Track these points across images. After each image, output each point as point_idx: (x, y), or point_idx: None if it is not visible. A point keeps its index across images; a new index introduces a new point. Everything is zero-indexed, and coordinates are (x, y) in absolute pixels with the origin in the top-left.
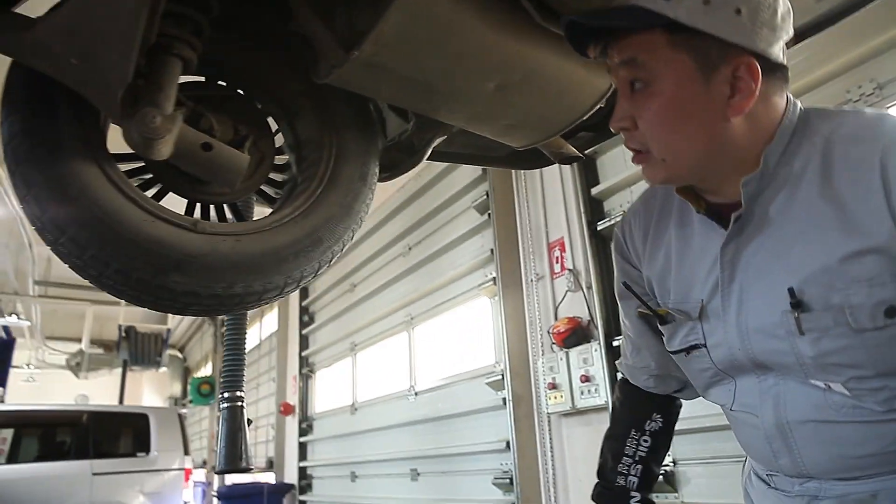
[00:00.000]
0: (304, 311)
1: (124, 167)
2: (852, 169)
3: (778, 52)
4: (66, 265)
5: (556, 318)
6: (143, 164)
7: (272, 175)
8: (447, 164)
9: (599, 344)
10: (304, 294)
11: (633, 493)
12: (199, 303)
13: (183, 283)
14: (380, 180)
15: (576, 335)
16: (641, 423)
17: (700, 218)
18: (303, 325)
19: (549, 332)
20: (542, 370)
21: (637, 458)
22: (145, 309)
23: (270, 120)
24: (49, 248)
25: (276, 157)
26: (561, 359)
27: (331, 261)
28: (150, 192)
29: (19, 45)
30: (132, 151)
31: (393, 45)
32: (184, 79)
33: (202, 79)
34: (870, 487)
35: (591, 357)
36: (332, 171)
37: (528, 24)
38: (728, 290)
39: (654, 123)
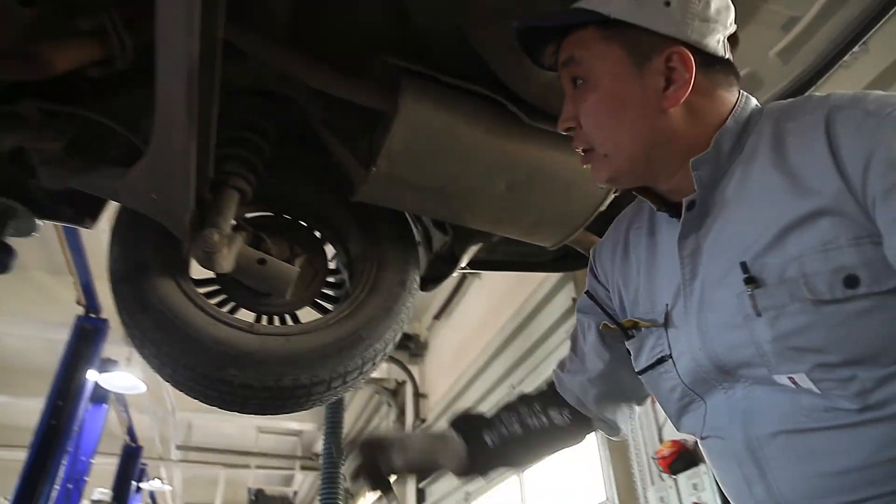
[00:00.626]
0: None
1: (203, 289)
2: (801, 136)
3: (715, 44)
4: (154, 371)
5: (660, 442)
6: (217, 284)
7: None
8: (542, 300)
9: (709, 466)
10: None
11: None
12: (255, 395)
13: (239, 376)
14: (427, 289)
15: (682, 459)
16: (551, 403)
17: (664, 218)
18: (419, 478)
19: (653, 457)
20: (653, 502)
21: (519, 418)
22: (271, 472)
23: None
24: (137, 351)
25: (330, 273)
26: (670, 487)
27: (374, 358)
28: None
29: (116, 189)
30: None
31: (403, 157)
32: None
33: (271, 213)
34: None
35: (701, 482)
36: (374, 278)
37: (518, 125)
38: (690, 288)
39: (592, 116)
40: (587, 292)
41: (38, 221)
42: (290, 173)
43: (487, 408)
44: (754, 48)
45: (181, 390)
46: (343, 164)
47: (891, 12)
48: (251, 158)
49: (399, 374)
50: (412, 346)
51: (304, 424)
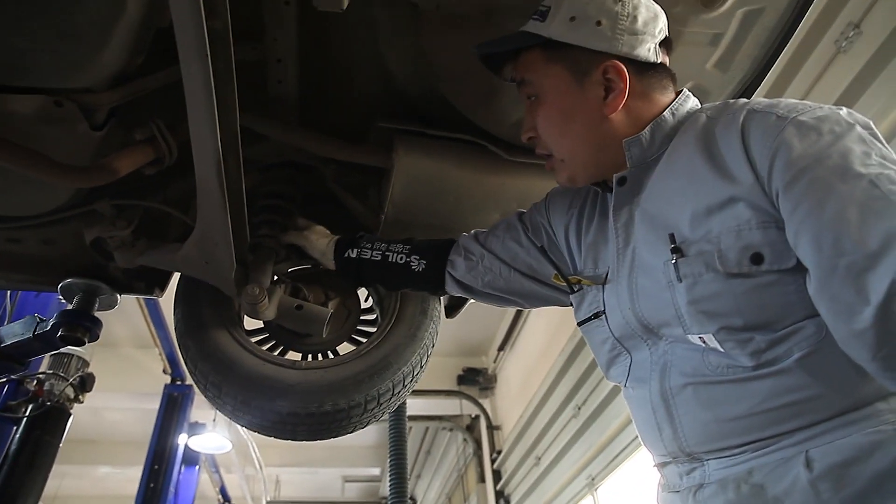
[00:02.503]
0: (499, 495)
1: (255, 337)
2: (724, 131)
3: (646, 52)
4: (218, 411)
5: None
6: (266, 331)
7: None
8: None
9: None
10: (497, 477)
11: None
12: (302, 422)
13: (286, 406)
14: (451, 316)
15: None
16: (418, 251)
17: (609, 195)
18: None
19: None
20: None
21: (385, 250)
22: None
23: None
24: (203, 395)
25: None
26: None
27: (404, 381)
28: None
29: (175, 261)
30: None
31: (406, 203)
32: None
33: (308, 265)
34: (746, 466)
35: None
36: (398, 310)
37: (501, 161)
38: (623, 254)
39: (545, 128)
40: (540, 234)
41: (118, 296)
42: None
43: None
44: (691, 65)
45: (243, 425)
46: (358, 215)
47: (808, 11)
48: (282, 221)
49: (472, 408)
50: (481, 380)
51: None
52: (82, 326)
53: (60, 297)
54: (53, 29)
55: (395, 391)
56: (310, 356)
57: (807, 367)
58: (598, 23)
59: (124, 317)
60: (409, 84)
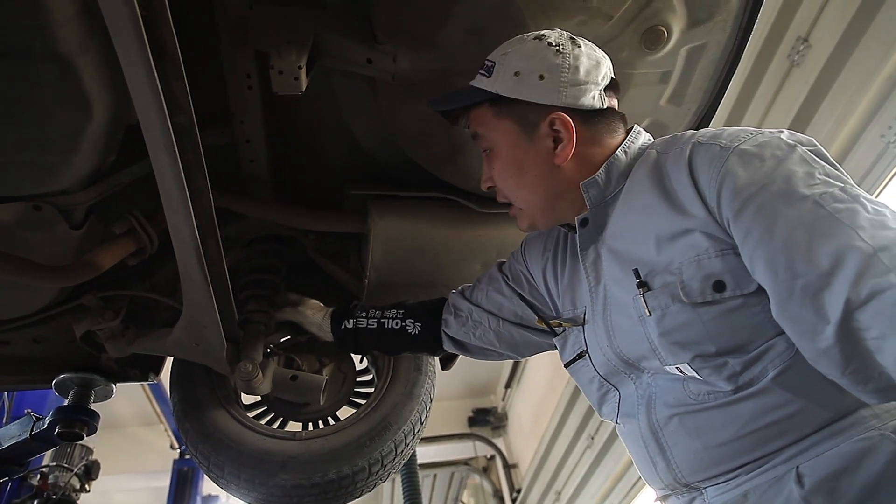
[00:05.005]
0: None
1: (253, 412)
2: (673, 165)
3: (590, 101)
4: (224, 490)
5: None
6: (265, 404)
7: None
8: None
9: None
10: None
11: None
12: (307, 493)
13: (290, 479)
14: (447, 368)
15: None
16: (413, 314)
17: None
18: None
19: None
20: None
21: (380, 317)
22: None
23: None
24: (208, 476)
25: (358, 375)
26: None
27: (405, 440)
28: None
29: (166, 346)
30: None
31: (386, 265)
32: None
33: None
34: (741, 489)
35: None
36: (392, 369)
37: (475, 214)
38: (596, 292)
39: (500, 180)
40: (520, 282)
41: (114, 386)
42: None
43: (574, 464)
44: (645, 102)
45: (249, 502)
46: (342, 281)
47: (749, 38)
48: (268, 295)
49: (486, 449)
50: (492, 420)
51: None
52: (79, 421)
53: (56, 392)
54: (26, 141)
55: (398, 451)
56: (310, 425)
57: (784, 383)
58: (541, 77)
59: (127, 396)
60: (377, 150)
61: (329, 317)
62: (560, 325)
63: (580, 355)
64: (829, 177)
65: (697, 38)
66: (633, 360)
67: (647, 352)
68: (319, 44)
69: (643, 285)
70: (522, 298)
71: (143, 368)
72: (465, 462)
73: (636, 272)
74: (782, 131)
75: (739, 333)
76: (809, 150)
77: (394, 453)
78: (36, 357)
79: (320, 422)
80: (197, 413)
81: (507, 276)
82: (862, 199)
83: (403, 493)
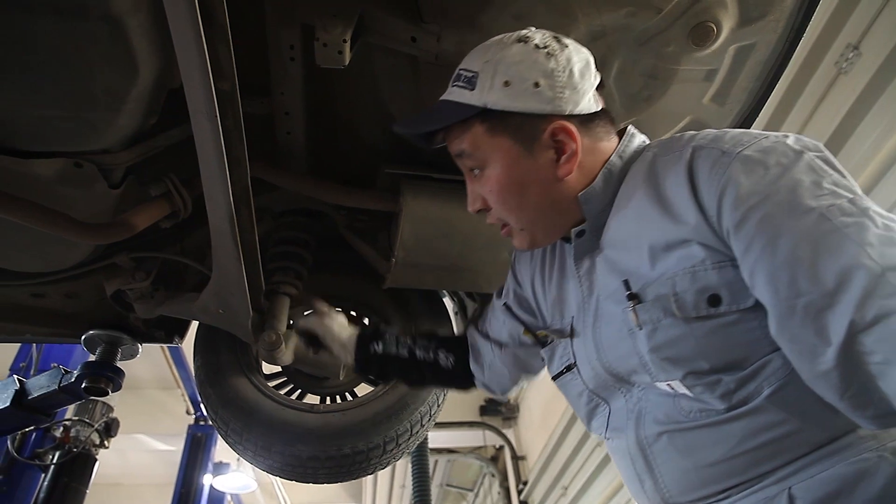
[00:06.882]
0: None
1: (274, 382)
2: (671, 170)
3: (587, 103)
4: (240, 455)
5: None
6: (285, 375)
7: None
8: None
9: None
10: None
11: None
12: (322, 465)
13: (306, 450)
14: None
15: None
16: (445, 346)
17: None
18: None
19: None
20: None
21: (411, 345)
22: None
23: None
24: (225, 441)
25: None
26: None
27: (421, 421)
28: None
29: (193, 310)
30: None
31: (415, 246)
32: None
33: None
34: None
35: None
36: None
37: None
38: (588, 303)
39: (498, 203)
40: (505, 304)
41: (140, 346)
42: (332, 272)
43: (583, 460)
44: (687, 101)
45: (264, 469)
46: (369, 259)
47: (801, 40)
48: (296, 267)
49: (496, 439)
50: (503, 410)
51: None
52: (105, 377)
53: (84, 347)
54: (73, 97)
55: (414, 431)
56: (328, 399)
57: (779, 402)
58: (536, 84)
59: (147, 359)
60: None
61: (355, 338)
62: (546, 336)
63: (568, 368)
64: (837, 186)
65: (747, 37)
66: (624, 375)
67: (637, 367)
68: (365, 19)
69: (634, 297)
70: (507, 310)
71: (169, 331)
72: (474, 450)
73: (626, 283)
74: (787, 136)
75: (734, 350)
76: (817, 157)
77: (409, 433)
78: (68, 312)
79: (338, 396)
80: (219, 379)
81: (500, 298)
82: (871, 212)
83: (413, 477)
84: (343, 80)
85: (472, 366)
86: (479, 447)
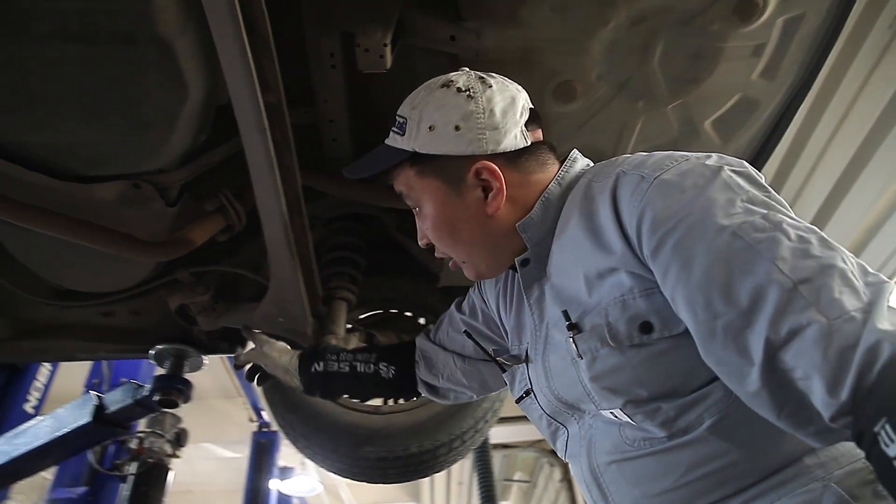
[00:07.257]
0: None
1: None
2: (600, 198)
3: (513, 141)
4: (309, 459)
5: None
6: None
7: None
8: None
9: None
10: None
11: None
12: (390, 465)
13: (374, 451)
14: None
15: None
16: (385, 357)
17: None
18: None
19: None
20: None
21: (352, 360)
22: None
23: None
24: (293, 446)
25: None
26: None
27: (485, 416)
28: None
29: (253, 319)
30: None
31: None
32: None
33: (380, 311)
34: None
35: None
36: None
37: None
38: (539, 331)
39: (435, 239)
40: (466, 332)
41: (204, 358)
42: (385, 275)
43: None
44: (736, 78)
45: (333, 472)
46: (422, 260)
47: (851, 10)
48: (350, 272)
49: None
50: None
51: None
52: (176, 389)
53: (153, 362)
54: (129, 121)
55: (478, 427)
56: (391, 400)
57: (721, 433)
58: (457, 127)
59: (209, 370)
60: None
61: (297, 359)
62: (504, 362)
63: (527, 392)
64: (752, 203)
65: (796, 7)
66: (572, 403)
67: (581, 395)
68: (404, 21)
69: (574, 327)
70: (469, 335)
71: (231, 341)
72: (536, 443)
73: (565, 314)
74: (710, 156)
75: (672, 377)
76: (735, 174)
77: (474, 429)
78: (135, 329)
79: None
80: (285, 386)
81: (463, 312)
82: (785, 225)
83: (477, 474)
84: (385, 82)
85: (425, 374)
86: (539, 440)
